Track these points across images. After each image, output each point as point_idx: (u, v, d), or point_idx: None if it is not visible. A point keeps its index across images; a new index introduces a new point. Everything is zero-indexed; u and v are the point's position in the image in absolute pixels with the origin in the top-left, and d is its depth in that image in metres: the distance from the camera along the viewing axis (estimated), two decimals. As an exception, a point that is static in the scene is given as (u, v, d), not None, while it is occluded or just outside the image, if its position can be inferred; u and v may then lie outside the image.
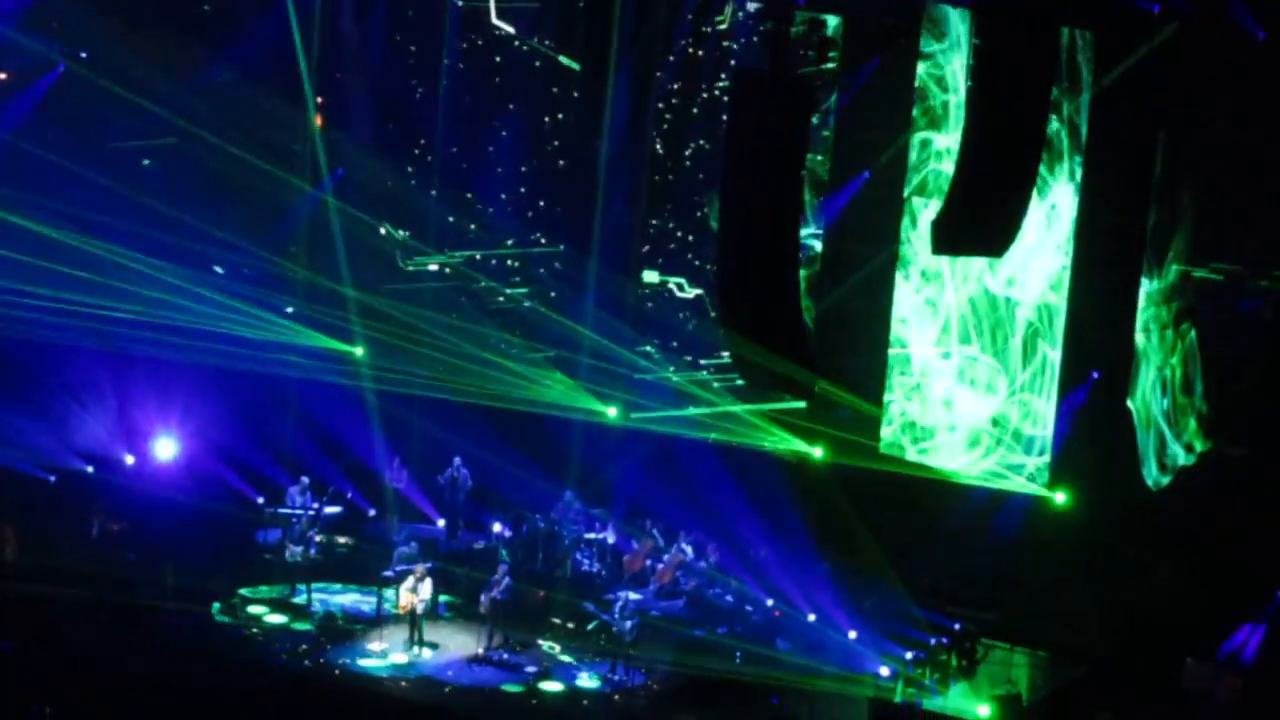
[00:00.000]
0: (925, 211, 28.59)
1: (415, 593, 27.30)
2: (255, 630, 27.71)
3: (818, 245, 30.78)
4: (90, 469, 32.01)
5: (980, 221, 20.87)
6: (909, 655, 26.75)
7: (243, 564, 30.13)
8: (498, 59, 33.71)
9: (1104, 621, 26.43)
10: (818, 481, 30.15)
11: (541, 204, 34.02)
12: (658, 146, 32.60)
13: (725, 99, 30.73)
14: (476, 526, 32.13)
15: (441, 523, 32.44)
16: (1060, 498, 27.71)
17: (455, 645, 27.74)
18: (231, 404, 32.66)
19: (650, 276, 32.83)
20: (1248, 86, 25.68)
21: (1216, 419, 27.20)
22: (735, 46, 31.82)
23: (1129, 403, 27.36)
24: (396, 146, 34.54)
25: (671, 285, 32.78)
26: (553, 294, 33.43)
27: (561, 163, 33.62)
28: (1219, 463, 27.03)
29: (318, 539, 29.60)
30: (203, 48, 32.98)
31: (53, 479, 31.54)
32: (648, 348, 32.66)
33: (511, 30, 33.50)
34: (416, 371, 33.10)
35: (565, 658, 27.62)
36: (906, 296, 29.59)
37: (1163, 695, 24.45)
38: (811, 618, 28.09)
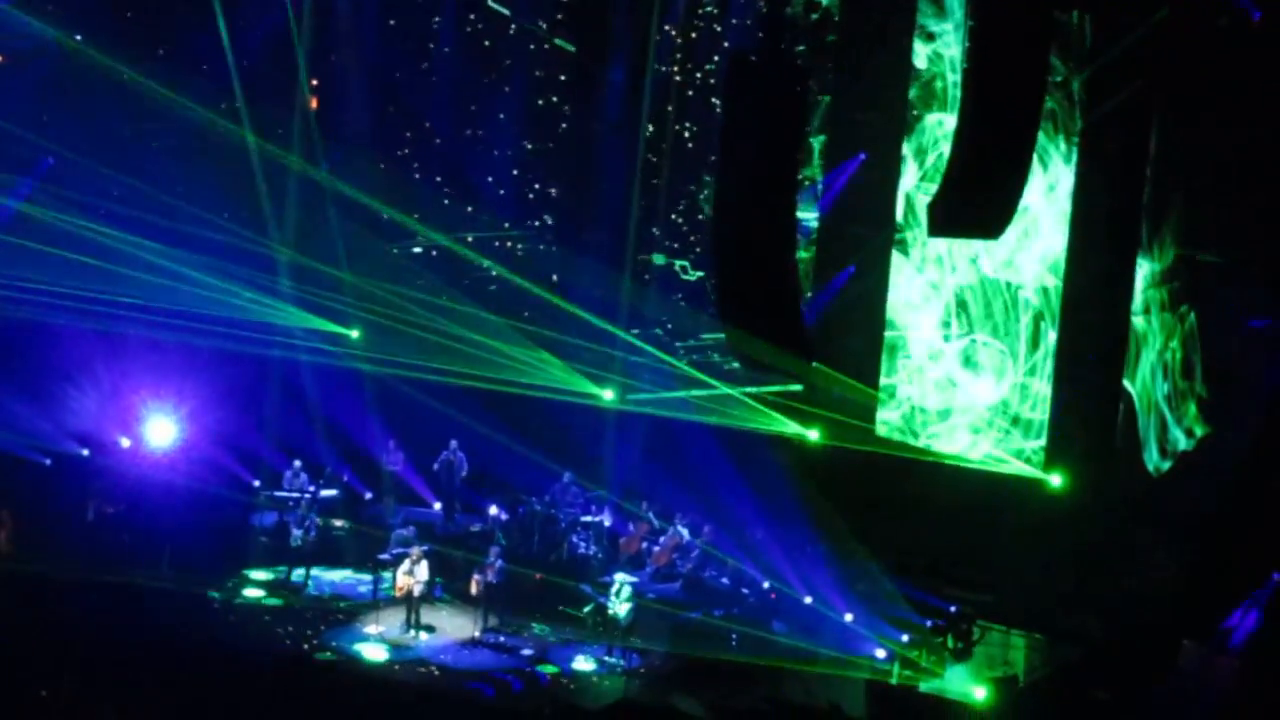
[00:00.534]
0: (921, 194, 28.61)
1: (412, 575, 27.32)
2: (252, 612, 27.71)
3: (814, 225, 30.75)
4: (86, 452, 31.97)
5: (977, 203, 20.79)
6: (905, 637, 26.75)
7: (239, 547, 30.14)
8: (493, 41, 33.64)
9: (1100, 603, 26.41)
10: (814, 463, 30.15)
11: (537, 186, 33.98)
12: (650, 128, 32.52)
13: (719, 81, 30.71)
14: (473, 509, 32.11)
15: (438, 506, 32.43)
16: (1056, 480, 27.69)
17: (451, 628, 27.74)
18: (227, 387, 32.64)
19: (651, 258, 32.79)
20: (1243, 66, 25.60)
21: (1216, 404, 27.18)
22: (727, 26, 31.78)
23: (1129, 386, 27.32)
24: (391, 129, 34.51)
25: (672, 266, 32.75)
26: (554, 277, 33.39)
27: (552, 145, 33.59)
28: (1217, 445, 26.99)
29: (316, 522, 29.62)
30: (196, 30, 32.89)
31: (48, 462, 31.51)
32: (647, 330, 32.63)
33: (507, 12, 33.44)
34: (412, 354, 33.08)
35: (561, 640, 27.64)
36: (907, 279, 29.52)
37: (1159, 677, 24.43)
38: (808, 600, 28.09)
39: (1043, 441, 28.11)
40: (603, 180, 32.67)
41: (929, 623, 27.09)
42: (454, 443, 32.32)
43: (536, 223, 33.99)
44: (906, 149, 29.26)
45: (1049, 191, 27.62)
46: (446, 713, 23.79)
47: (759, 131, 21.55)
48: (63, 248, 30.95)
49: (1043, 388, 28.12)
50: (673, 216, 32.80)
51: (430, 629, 27.46)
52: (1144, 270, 27.12)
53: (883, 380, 29.75)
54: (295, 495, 30.49)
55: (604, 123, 32.58)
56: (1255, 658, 23.73)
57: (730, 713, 24.56)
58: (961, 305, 28.86)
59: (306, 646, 26.42)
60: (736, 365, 30.02)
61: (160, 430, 32.44)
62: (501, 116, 33.79)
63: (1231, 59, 25.64)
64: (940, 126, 28.93)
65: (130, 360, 32.40)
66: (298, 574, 29.30)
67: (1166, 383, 27.36)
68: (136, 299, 31.53)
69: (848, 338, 29.91)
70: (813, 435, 30.21)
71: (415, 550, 27.71)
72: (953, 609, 27.21)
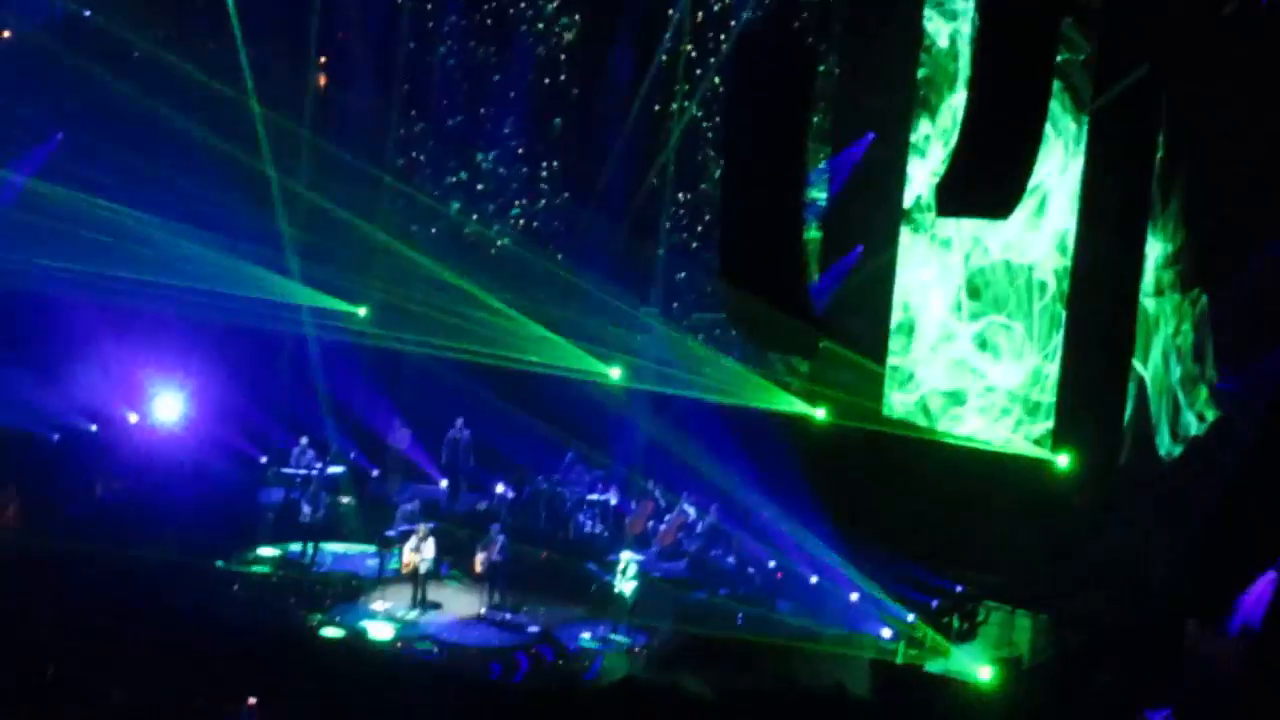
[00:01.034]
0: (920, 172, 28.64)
1: (418, 552, 27.36)
2: (258, 589, 27.76)
3: (822, 205, 30.69)
4: (94, 428, 32.00)
5: (986, 183, 20.77)
6: (910, 617, 26.75)
7: (246, 523, 30.18)
8: (500, 19, 33.60)
9: (1105, 585, 26.40)
10: (821, 443, 30.12)
11: (544, 164, 33.93)
12: (656, 107, 32.48)
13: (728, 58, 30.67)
14: (479, 487, 32.12)
15: (444, 483, 32.43)
16: (1063, 461, 27.66)
17: (457, 605, 27.80)
18: (234, 363, 32.65)
19: (660, 236, 32.78)
20: (1252, 50, 25.55)
21: (1226, 389, 27.13)
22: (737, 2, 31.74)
23: (1142, 369, 27.29)
24: (399, 105, 34.52)
25: (681, 243, 32.72)
26: (559, 255, 33.37)
27: (559, 120, 33.54)
28: (1226, 429, 26.96)
29: (324, 498, 29.64)
30: (205, 4, 32.89)
31: (56, 438, 31.56)
32: (656, 307, 32.61)
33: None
34: (419, 332, 33.09)
35: (566, 618, 27.68)
36: (919, 259, 29.47)
37: (1164, 658, 24.43)
38: (813, 579, 28.10)
39: (1050, 423, 28.07)
40: (611, 156, 32.57)
41: (934, 602, 27.07)
42: (460, 420, 32.34)
43: (544, 200, 33.90)
44: (930, 128, 29.13)
45: (1061, 172, 27.57)
46: (452, 690, 23.80)
47: (767, 109, 21.53)
48: (71, 223, 30.96)
49: (1049, 368, 28.08)
50: (680, 194, 32.73)
51: (436, 606, 27.52)
52: (1156, 251, 27.05)
53: (897, 361, 29.65)
54: (302, 472, 30.52)
55: (613, 100, 32.48)
56: (1264, 639, 23.73)
57: (735, 692, 24.56)
58: (975, 287, 28.78)
59: (313, 623, 26.46)
60: (746, 345, 30.00)
61: (168, 406, 32.46)
62: (512, 94, 33.70)
63: (1241, 42, 25.59)
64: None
65: (138, 336, 32.39)
66: (305, 551, 29.32)
67: (1179, 366, 27.30)
68: (145, 275, 31.53)
69: (855, 317, 29.82)
70: (819, 414, 30.17)
71: (421, 527, 27.77)
72: (958, 589, 27.20)
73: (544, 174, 34.00)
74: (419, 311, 33.28)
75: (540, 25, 33.42)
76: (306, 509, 29.27)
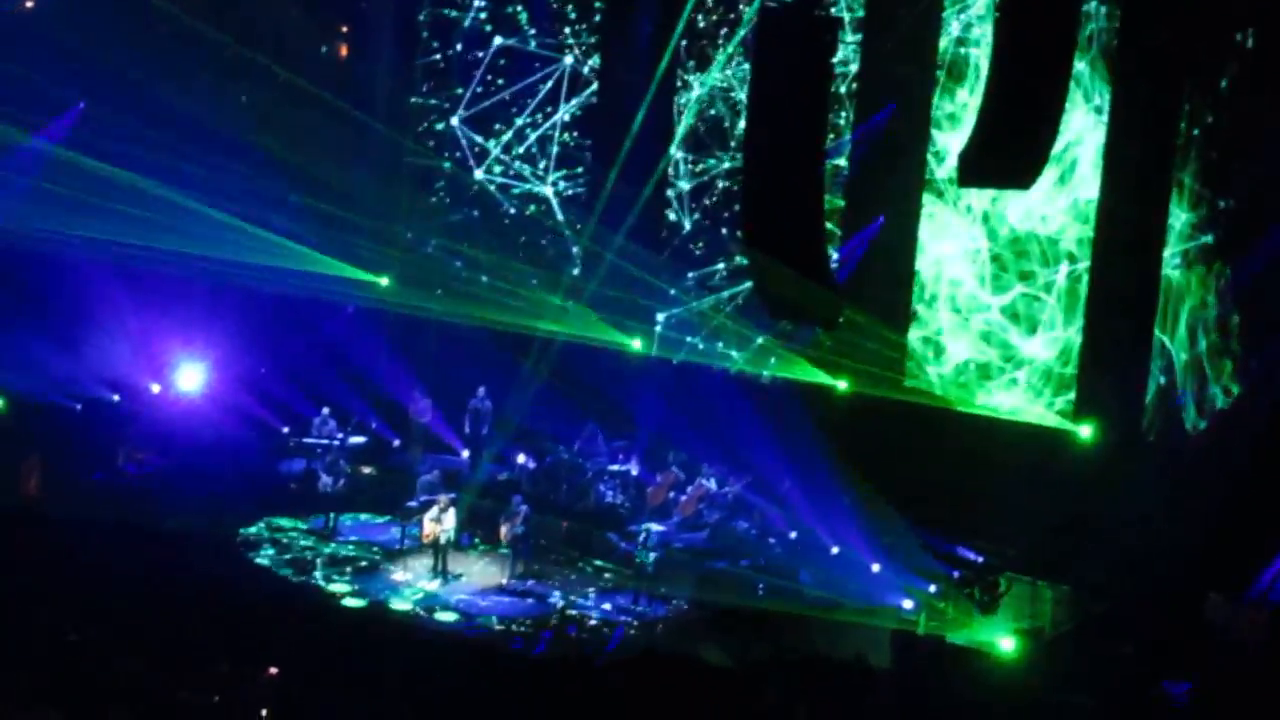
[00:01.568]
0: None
1: (439, 523, 27.40)
2: (279, 558, 27.83)
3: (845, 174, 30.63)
4: (116, 398, 32.09)
5: (1008, 153, 20.68)
6: (932, 588, 26.71)
7: (268, 493, 30.26)
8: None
9: (1128, 556, 26.33)
10: (842, 414, 30.08)
11: (568, 135, 33.87)
12: (679, 81, 32.38)
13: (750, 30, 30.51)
14: (500, 458, 32.15)
15: (465, 454, 32.45)
16: (1085, 432, 27.60)
17: (478, 576, 27.86)
18: (256, 333, 32.72)
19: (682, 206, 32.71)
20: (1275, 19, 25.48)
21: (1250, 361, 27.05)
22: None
23: (1167, 342, 27.20)
24: (421, 78, 34.55)
25: (704, 215, 32.66)
26: (578, 225, 33.33)
27: (588, 95, 33.46)
28: (1250, 401, 26.87)
29: (346, 469, 29.68)
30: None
31: (79, 408, 31.66)
32: (679, 279, 32.57)
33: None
34: (441, 302, 33.16)
35: (587, 589, 27.72)
36: (945, 230, 29.40)
37: (1185, 630, 24.38)
38: (834, 550, 28.07)
39: (1072, 394, 28.03)
40: (634, 128, 32.46)
41: (956, 573, 27.02)
42: (482, 390, 32.37)
43: (567, 171, 33.87)
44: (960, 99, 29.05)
45: (1080, 141, 27.48)
46: (472, 661, 23.81)
47: (789, 78, 21.47)
48: (94, 193, 31.02)
49: (1072, 338, 28.06)
50: (697, 167, 32.66)
51: (457, 576, 27.56)
52: (1180, 221, 26.95)
53: (925, 333, 29.60)
54: (323, 442, 30.56)
55: (636, 73, 32.36)
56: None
57: (755, 662, 24.57)
58: (1002, 258, 28.74)
59: (334, 593, 26.52)
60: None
61: (190, 376, 32.53)
62: (537, 65, 33.64)
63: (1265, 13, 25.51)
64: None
65: (160, 306, 32.47)
66: (325, 521, 29.38)
67: (1205, 338, 27.20)
68: (168, 245, 31.62)
69: (877, 288, 29.74)
70: (841, 385, 30.12)
71: (443, 498, 27.82)
72: (979, 560, 27.15)
73: (571, 143, 33.93)
74: (442, 280, 33.43)
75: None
76: (326, 479, 29.33)
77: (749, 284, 30.02)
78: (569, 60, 33.29)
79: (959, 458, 28.29)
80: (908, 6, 29.02)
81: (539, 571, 28.07)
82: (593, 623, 26.37)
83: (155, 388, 32.40)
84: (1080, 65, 26.89)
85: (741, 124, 29.72)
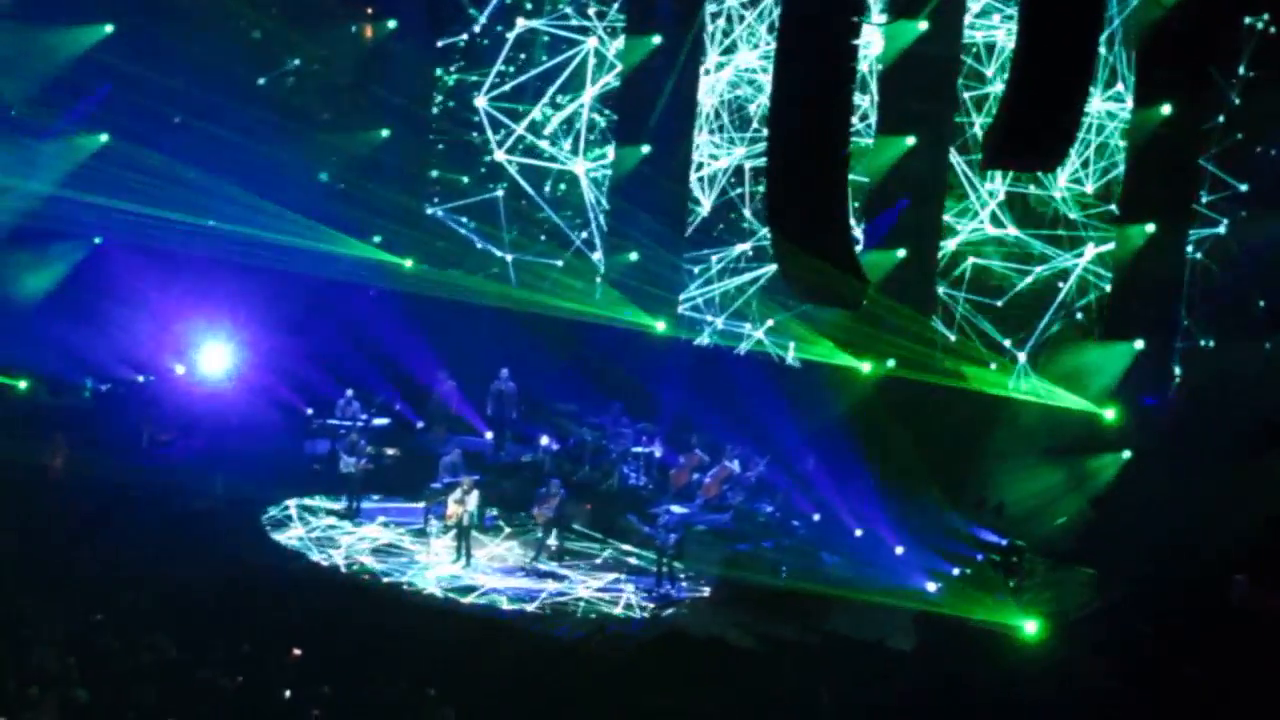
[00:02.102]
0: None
1: (463, 504, 27.41)
2: (303, 539, 27.88)
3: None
4: (141, 379, 32.17)
5: (1033, 135, 20.66)
6: (955, 571, 26.69)
7: (292, 474, 30.31)
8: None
9: (1152, 539, 26.27)
10: (866, 395, 30.03)
11: (595, 115, 33.83)
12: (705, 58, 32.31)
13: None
14: (523, 439, 32.15)
15: (489, 435, 32.46)
16: (1110, 414, 27.55)
17: (501, 557, 27.90)
18: (281, 315, 32.76)
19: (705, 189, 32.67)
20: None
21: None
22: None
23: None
24: (447, 58, 34.59)
25: (726, 197, 32.59)
26: (604, 206, 33.29)
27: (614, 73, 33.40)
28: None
29: (368, 450, 29.71)
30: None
31: (104, 389, 31.76)
32: (704, 259, 32.54)
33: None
34: (465, 282, 33.19)
35: (611, 570, 27.77)
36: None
37: (1210, 613, 24.33)
38: (858, 532, 28.05)
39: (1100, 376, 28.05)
40: (659, 107, 32.38)
41: (979, 556, 27.00)
42: (505, 371, 32.35)
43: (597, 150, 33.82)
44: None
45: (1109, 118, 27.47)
46: (496, 642, 23.88)
47: (813, 64, 21.47)
48: (123, 171, 31.19)
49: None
50: (721, 149, 32.60)
51: (480, 558, 27.58)
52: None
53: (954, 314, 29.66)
54: (347, 424, 30.59)
55: (658, 54, 32.28)
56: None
57: (778, 643, 24.60)
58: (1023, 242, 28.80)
59: (356, 574, 26.57)
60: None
61: (215, 358, 32.59)
62: (564, 46, 33.58)
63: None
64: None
65: (186, 287, 32.54)
66: (349, 502, 29.43)
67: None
68: (194, 226, 31.76)
69: (902, 268, 29.67)
70: (865, 368, 30.07)
71: (466, 480, 27.83)
72: (1003, 543, 27.10)
73: (603, 123, 33.90)
74: (466, 261, 33.45)
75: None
76: (347, 460, 29.35)
77: (773, 266, 29.95)
78: (593, 42, 33.21)
79: (983, 439, 28.28)
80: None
81: (563, 553, 28.10)
82: (616, 604, 26.39)
83: (180, 369, 32.46)
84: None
85: (766, 101, 29.61)
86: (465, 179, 34.67)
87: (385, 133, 34.26)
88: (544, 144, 33.67)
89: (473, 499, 27.59)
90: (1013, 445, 28.26)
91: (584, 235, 33.52)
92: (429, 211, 34.57)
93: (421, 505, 28.86)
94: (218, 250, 32.15)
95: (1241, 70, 27.01)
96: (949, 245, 29.65)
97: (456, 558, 27.37)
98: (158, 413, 31.18)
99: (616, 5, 32.99)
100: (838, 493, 28.50)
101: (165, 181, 31.54)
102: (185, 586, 23.14)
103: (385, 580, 26.39)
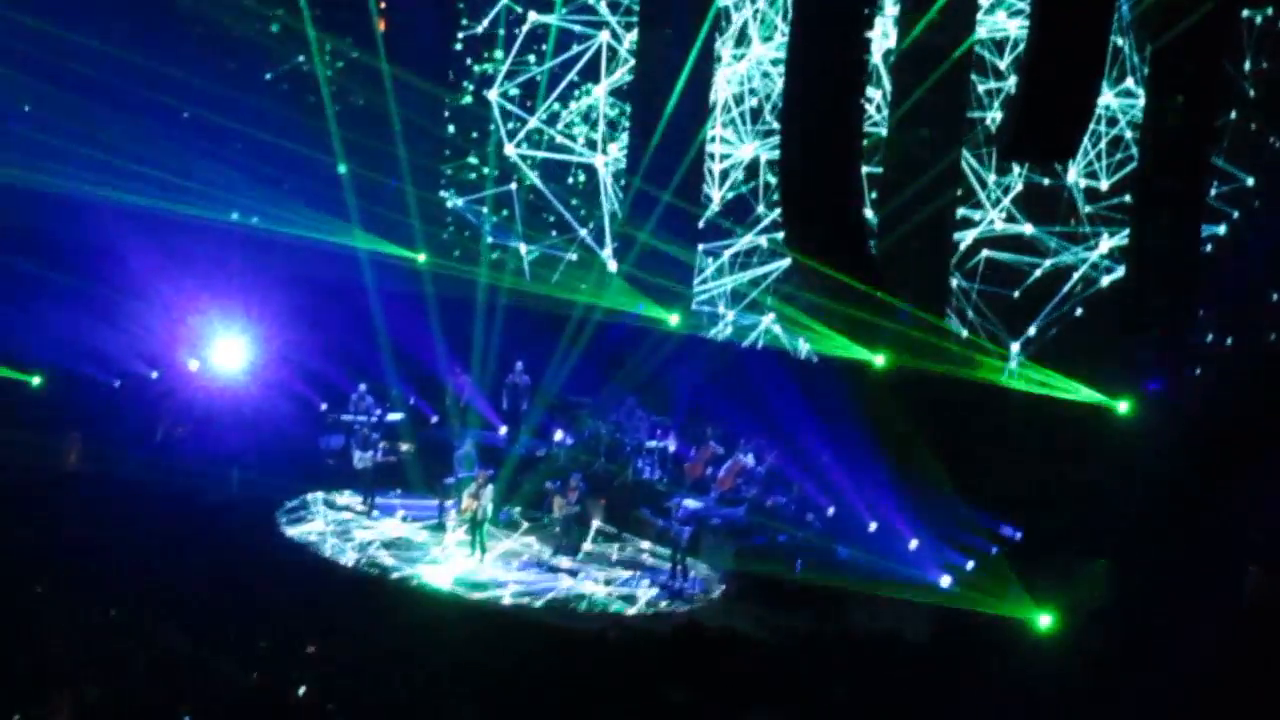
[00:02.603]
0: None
1: (477, 498, 27.43)
2: (317, 533, 27.91)
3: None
4: (155, 374, 32.20)
5: (1047, 126, 20.64)
6: (970, 564, 26.67)
7: (306, 468, 30.34)
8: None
9: (1166, 530, 26.22)
10: (880, 389, 29.97)
11: (608, 112, 33.84)
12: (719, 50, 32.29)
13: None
14: (538, 433, 32.17)
15: (504, 429, 32.48)
16: (1124, 407, 27.49)
17: (516, 551, 27.92)
18: (295, 309, 32.78)
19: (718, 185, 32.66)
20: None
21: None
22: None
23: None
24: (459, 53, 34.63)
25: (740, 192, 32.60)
26: (618, 199, 33.29)
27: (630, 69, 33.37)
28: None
29: (382, 445, 29.73)
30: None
31: (118, 384, 31.79)
32: (717, 254, 32.54)
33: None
34: (479, 275, 33.22)
35: (625, 563, 27.79)
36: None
37: (1225, 603, 24.29)
38: (872, 526, 28.02)
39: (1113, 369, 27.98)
40: (673, 100, 32.35)
41: (994, 549, 26.97)
42: (519, 365, 32.37)
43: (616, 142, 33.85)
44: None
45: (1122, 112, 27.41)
46: (510, 635, 23.90)
47: (826, 50, 21.45)
48: (137, 166, 31.26)
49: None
50: (735, 143, 32.57)
51: (494, 552, 27.60)
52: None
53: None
54: (361, 418, 30.61)
55: (671, 47, 32.27)
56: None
57: (792, 636, 24.60)
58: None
59: (371, 568, 26.59)
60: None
61: (229, 352, 32.61)
62: (577, 43, 33.57)
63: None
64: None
65: (200, 282, 32.58)
66: (363, 496, 29.46)
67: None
68: (207, 219, 31.80)
69: (914, 264, 29.62)
70: (879, 361, 30.01)
71: (480, 474, 27.85)
72: (1017, 535, 27.08)
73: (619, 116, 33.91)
74: (480, 254, 33.46)
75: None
76: (361, 455, 29.38)
77: (786, 259, 29.94)
78: (605, 36, 33.21)
79: (996, 432, 28.23)
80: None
81: (577, 546, 28.12)
82: (630, 596, 26.40)
83: (194, 364, 32.50)
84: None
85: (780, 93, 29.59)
86: (482, 172, 34.69)
87: (398, 126, 34.26)
88: (559, 138, 33.67)
89: (487, 493, 27.62)
90: (1024, 438, 28.22)
91: (598, 229, 33.52)
92: (447, 204, 34.59)
93: (437, 500, 28.91)
94: (232, 245, 32.19)
95: (1247, 65, 26.98)
96: (968, 238, 29.65)
97: (471, 552, 27.39)
98: (172, 407, 31.19)
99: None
100: (852, 486, 28.47)
101: (179, 176, 31.59)
102: (199, 582, 23.16)
103: (399, 575, 26.41)
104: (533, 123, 33.41)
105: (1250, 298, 27.66)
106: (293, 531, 27.93)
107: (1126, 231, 28.13)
